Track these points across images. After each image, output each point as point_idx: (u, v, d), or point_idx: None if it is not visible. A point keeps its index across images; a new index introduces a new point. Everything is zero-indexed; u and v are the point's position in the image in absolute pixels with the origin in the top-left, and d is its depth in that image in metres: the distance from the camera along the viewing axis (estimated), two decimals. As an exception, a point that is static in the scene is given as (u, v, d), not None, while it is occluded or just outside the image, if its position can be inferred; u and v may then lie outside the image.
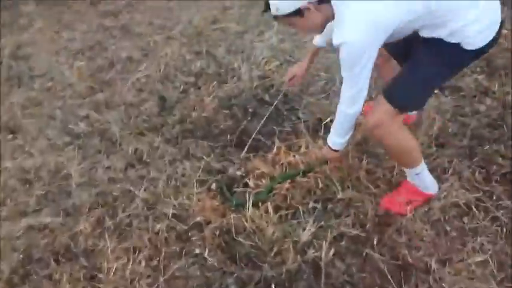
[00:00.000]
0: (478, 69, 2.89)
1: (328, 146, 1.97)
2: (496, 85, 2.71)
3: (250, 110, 2.76)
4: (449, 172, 2.18)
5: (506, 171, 2.17)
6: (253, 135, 2.45)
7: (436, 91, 2.73)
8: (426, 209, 2.01)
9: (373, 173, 2.21)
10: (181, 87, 3.05)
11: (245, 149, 2.37)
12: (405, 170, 1.99)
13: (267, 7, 1.72)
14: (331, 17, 1.69)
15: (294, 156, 2.36)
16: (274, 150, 2.43)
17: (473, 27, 1.65)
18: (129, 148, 2.48)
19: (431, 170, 2.08)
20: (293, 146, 2.47)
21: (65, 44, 3.65)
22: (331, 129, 1.94)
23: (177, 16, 4.06)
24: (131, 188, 2.21)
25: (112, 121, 2.72)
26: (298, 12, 1.66)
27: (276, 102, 2.63)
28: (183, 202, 2.13)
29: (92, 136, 2.61)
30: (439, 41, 1.69)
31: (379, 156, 2.30)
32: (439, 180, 2.12)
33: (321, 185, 2.15)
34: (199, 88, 3.04)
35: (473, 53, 1.70)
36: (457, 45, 1.68)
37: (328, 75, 3.03)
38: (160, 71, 3.23)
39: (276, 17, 1.74)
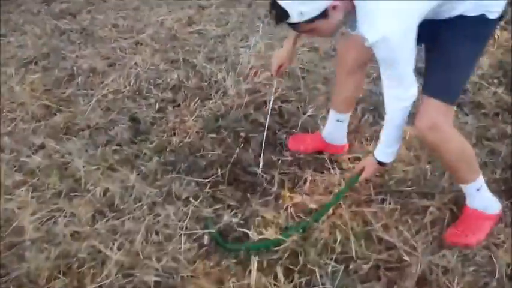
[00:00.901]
0: (496, 80, 2.57)
1: (376, 159, 1.75)
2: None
3: (242, 134, 2.32)
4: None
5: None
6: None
7: (455, 108, 2.39)
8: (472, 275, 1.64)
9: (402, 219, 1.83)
10: (157, 104, 2.58)
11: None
12: (464, 187, 1.73)
13: (284, 14, 1.36)
14: (351, 10, 1.43)
15: (301, 195, 1.96)
16: (275, 187, 2.02)
17: None
18: (97, 189, 2.00)
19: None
20: (297, 179, 2.07)
21: (13, 52, 3.09)
22: (380, 140, 1.72)
23: (146, 17, 3.55)
24: (101, 248, 1.74)
25: (74, 152, 2.22)
26: (324, 13, 1.37)
27: (267, 122, 2.19)
28: (168, 265, 1.68)
29: (49, 172, 2.11)
30: (462, 19, 1.52)
31: (404, 194, 1.93)
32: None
33: (339, 238, 1.75)
34: (178, 106, 2.58)
35: (494, 22, 1.55)
36: (482, 17, 1.51)
37: (327, 88, 2.63)
38: (130, 84, 2.74)
39: (294, 25, 1.41)
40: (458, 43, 1.54)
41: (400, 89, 1.53)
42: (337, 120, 2.08)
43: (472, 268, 1.65)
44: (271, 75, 2.12)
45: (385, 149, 1.72)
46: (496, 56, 2.72)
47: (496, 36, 2.88)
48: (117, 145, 2.28)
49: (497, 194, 1.85)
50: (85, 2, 3.86)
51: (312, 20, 1.37)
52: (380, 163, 1.75)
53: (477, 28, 1.53)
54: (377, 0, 1.38)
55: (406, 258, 1.67)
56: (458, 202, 1.85)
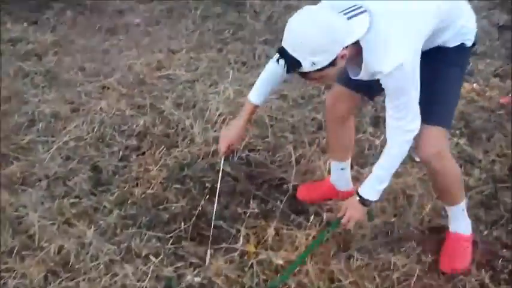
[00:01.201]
0: (458, 131, 2.62)
1: (361, 197, 1.68)
2: (481, 153, 2.44)
3: (207, 184, 2.27)
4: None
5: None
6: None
7: (417, 159, 2.41)
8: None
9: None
10: (121, 153, 2.51)
11: (207, 258, 1.87)
12: (452, 209, 1.85)
13: (297, 64, 1.37)
14: (355, 55, 1.46)
15: (266, 249, 1.90)
16: (240, 242, 1.96)
17: (471, 21, 1.65)
18: (52, 246, 1.89)
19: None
20: (262, 234, 2.01)
21: (-28, 95, 2.99)
22: (372, 174, 1.66)
23: (115, 60, 3.51)
24: (52, 312, 1.62)
25: (29, 205, 2.11)
26: (333, 62, 1.40)
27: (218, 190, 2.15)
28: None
29: (1, 228, 1.99)
30: (444, 50, 1.62)
31: (371, 249, 1.90)
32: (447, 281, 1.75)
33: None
34: (143, 154, 2.51)
35: (470, 49, 1.68)
36: (461, 46, 1.64)
37: (295, 136, 2.62)
38: (93, 131, 2.67)
39: (303, 74, 1.43)
40: (447, 71, 1.62)
41: (406, 120, 1.55)
42: (341, 169, 2.09)
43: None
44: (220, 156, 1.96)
45: (376, 186, 1.66)
46: (458, 107, 2.77)
47: (458, 87, 2.96)
48: (75, 197, 2.18)
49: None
50: (52, 43, 3.80)
51: (322, 69, 1.40)
52: (364, 203, 1.69)
53: (459, 56, 1.66)
54: (386, 29, 1.41)
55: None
56: (426, 254, 1.84)
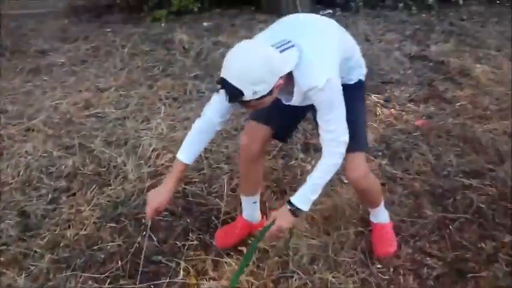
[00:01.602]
0: (380, 153, 2.81)
1: (293, 206, 1.73)
2: (401, 171, 2.62)
3: (143, 221, 2.24)
4: (386, 281, 1.92)
5: (438, 273, 1.97)
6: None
7: (346, 181, 2.55)
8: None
9: None
10: (49, 195, 2.43)
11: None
12: (376, 210, 2.10)
13: (239, 94, 1.46)
14: (288, 84, 1.60)
15: (207, 280, 1.90)
16: (181, 275, 1.95)
17: (361, 57, 1.88)
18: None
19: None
20: (202, 265, 2.01)
21: None
22: (305, 185, 1.74)
23: (39, 101, 3.42)
24: None
25: (-50, 257, 1.97)
26: (271, 91, 1.51)
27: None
28: None
29: None
30: (348, 86, 1.74)
31: (310, 269, 1.96)
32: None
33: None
34: (73, 195, 2.44)
35: (364, 83, 1.92)
36: (359, 82, 1.87)
37: (230, 166, 2.68)
38: (19, 175, 2.56)
39: (244, 102, 1.52)
40: (353, 105, 1.75)
41: (338, 132, 1.69)
42: (253, 203, 2.15)
43: None
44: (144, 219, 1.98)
45: (308, 195, 1.74)
46: (379, 130, 2.99)
47: (377, 112, 3.19)
48: (3, 244, 2.07)
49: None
50: (-32, 86, 3.64)
51: (261, 98, 1.49)
52: (294, 212, 1.73)
53: (359, 90, 1.90)
54: (312, 57, 1.58)
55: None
56: (362, 272, 1.93)
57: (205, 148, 2.78)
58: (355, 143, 1.79)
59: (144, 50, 4.42)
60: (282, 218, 1.74)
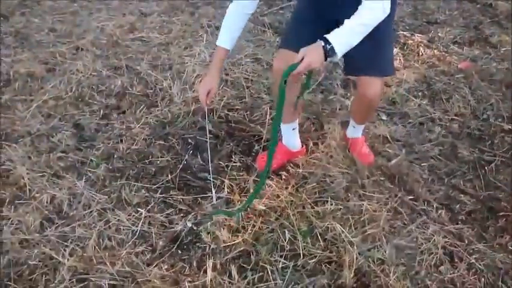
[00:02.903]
0: (420, 93, 2.83)
1: (327, 41, 1.58)
2: (439, 112, 2.65)
3: (190, 141, 2.37)
4: (416, 212, 2.03)
5: (470, 209, 2.07)
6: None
7: (384, 118, 2.62)
8: (404, 265, 1.81)
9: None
10: (101, 111, 2.56)
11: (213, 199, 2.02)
12: (360, 126, 2.25)
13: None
14: None
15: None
16: (225, 192, 2.09)
17: None
18: (43, 196, 1.96)
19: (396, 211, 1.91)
20: (243, 184, 2.15)
21: None
22: (343, 27, 1.60)
23: (85, 22, 3.49)
24: (52, 253, 1.71)
25: (16, 159, 2.15)
26: None
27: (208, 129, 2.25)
28: (123, 270, 1.70)
29: (-11, 180, 2.03)
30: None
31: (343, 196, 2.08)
32: (411, 221, 1.98)
33: (287, 237, 1.86)
34: (123, 113, 2.57)
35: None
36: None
37: (270, 97, 2.75)
38: (72, 91, 2.69)
39: None
40: (388, 28, 1.81)
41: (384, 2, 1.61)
42: (293, 129, 2.21)
43: (403, 259, 1.82)
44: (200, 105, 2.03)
45: (345, 37, 1.60)
46: (421, 70, 2.99)
47: (420, 53, 3.17)
48: (61, 152, 2.24)
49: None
50: (18, 4, 3.72)
51: None
52: (326, 52, 1.57)
53: (390, 15, 1.71)
54: None
55: (345, 253, 1.80)
56: (395, 201, 2.04)
57: (246, 78, 2.92)
58: (381, 67, 1.90)
59: (186, -24, 4.38)
60: (313, 55, 1.58)
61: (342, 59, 1.80)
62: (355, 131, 2.28)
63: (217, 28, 3.51)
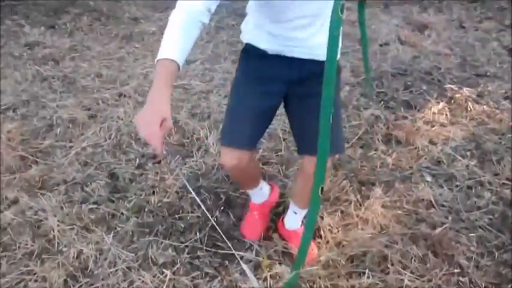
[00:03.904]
0: (468, 153, 2.66)
1: None
2: (491, 175, 2.47)
3: (222, 196, 2.31)
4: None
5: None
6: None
7: (429, 179, 2.46)
8: None
9: None
10: (137, 160, 2.56)
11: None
12: (301, 212, 1.98)
13: None
14: None
15: (280, 264, 1.94)
16: (253, 254, 2.00)
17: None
18: (71, 251, 1.94)
19: None
20: (272, 245, 2.05)
21: (-8, 98, 3.05)
22: None
23: (131, 68, 3.58)
24: (72, 316, 1.66)
25: (48, 209, 2.16)
26: None
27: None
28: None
29: (22, 231, 2.03)
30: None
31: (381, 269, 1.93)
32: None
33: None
34: (159, 162, 2.56)
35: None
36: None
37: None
38: (110, 138, 2.72)
39: None
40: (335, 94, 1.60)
41: None
42: (260, 189, 2.08)
43: None
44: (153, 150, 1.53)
45: None
46: (469, 128, 2.83)
47: (468, 108, 3.01)
48: (93, 203, 2.23)
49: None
50: (69, 49, 3.88)
51: None
52: None
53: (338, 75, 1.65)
54: None
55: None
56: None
57: (283, 129, 2.86)
58: (338, 144, 1.65)
59: (229, 24, 4.45)
60: None
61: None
62: (295, 219, 2.02)
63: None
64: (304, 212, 1.97)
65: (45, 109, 2.97)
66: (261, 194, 2.11)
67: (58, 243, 1.98)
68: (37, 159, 2.51)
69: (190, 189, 1.69)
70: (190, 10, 1.32)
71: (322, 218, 2.14)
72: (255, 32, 1.62)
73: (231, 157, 1.68)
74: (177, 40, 1.28)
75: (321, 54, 1.39)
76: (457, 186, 2.40)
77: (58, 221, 2.08)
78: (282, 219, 2.10)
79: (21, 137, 2.67)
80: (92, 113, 2.96)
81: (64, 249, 1.95)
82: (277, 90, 1.66)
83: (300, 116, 1.71)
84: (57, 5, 4.78)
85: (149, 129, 1.17)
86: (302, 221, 2.04)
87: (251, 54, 1.65)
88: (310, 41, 1.54)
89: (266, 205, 2.15)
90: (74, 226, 2.07)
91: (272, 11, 1.51)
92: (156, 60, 1.27)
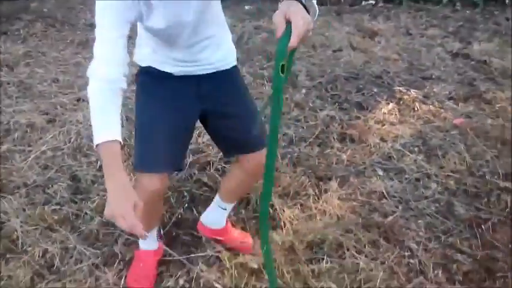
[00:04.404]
0: (416, 149, 2.85)
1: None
2: (435, 168, 2.66)
3: (185, 194, 2.37)
4: (412, 273, 1.99)
5: (467, 269, 2.03)
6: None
7: (380, 173, 2.62)
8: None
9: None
10: (98, 162, 2.57)
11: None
12: (230, 206, 1.99)
13: None
14: None
15: (243, 255, 2.02)
16: (217, 247, 2.07)
17: None
18: (36, 250, 1.94)
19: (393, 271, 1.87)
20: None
21: None
22: None
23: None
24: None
25: (10, 211, 2.14)
26: None
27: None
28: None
29: (-18, 233, 2.01)
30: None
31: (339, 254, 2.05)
32: (408, 281, 1.93)
33: (282, 297, 1.82)
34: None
35: None
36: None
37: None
38: (70, 141, 2.72)
39: None
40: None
41: None
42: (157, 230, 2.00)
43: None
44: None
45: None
46: (416, 126, 3.03)
47: (415, 108, 3.22)
48: (56, 204, 2.23)
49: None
50: (23, 55, 3.83)
51: None
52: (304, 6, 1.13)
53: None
54: None
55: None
56: (392, 260, 2.01)
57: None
58: (263, 137, 1.65)
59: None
60: (299, 12, 1.10)
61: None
62: (222, 216, 1.99)
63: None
64: (231, 206, 1.99)
65: (2, 114, 2.93)
66: (153, 236, 1.92)
67: (22, 243, 1.98)
68: (-5, 164, 2.48)
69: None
70: (109, 79, 1.29)
71: (283, 210, 2.24)
72: (154, 56, 1.56)
73: (153, 182, 1.55)
74: (108, 116, 1.25)
75: (223, 65, 1.61)
76: (406, 178, 2.57)
77: (21, 222, 2.07)
78: (200, 223, 2.05)
79: (-23, 142, 2.63)
80: (50, 117, 2.95)
81: (28, 248, 1.95)
82: (191, 104, 1.61)
83: (225, 125, 1.68)
84: (10, 11, 4.70)
85: (128, 222, 1.13)
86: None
87: (154, 76, 1.58)
88: (212, 58, 1.58)
89: (158, 252, 1.95)
90: (38, 226, 2.07)
91: (169, 38, 1.48)
92: (95, 144, 1.22)
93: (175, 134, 1.59)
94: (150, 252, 1.90)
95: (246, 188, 1.99)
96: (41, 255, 1.93)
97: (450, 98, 3.40)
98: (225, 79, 1.63)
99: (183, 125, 1.62)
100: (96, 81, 1.28)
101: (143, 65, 1.60)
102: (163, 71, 1.57)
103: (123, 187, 1.18)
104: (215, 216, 2.02)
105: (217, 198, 1.99)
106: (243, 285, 1.87)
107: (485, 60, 4.01)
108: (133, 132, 1.70)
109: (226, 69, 1.63)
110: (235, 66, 1.67)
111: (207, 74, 1.59)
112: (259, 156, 1.64)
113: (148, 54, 1.57)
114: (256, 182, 1.94)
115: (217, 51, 1.59)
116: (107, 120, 1.24)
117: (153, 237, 1.90)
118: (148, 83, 1.62)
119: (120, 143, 1.23)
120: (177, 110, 1.57)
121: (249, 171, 1.78)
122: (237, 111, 1.65)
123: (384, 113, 3.15)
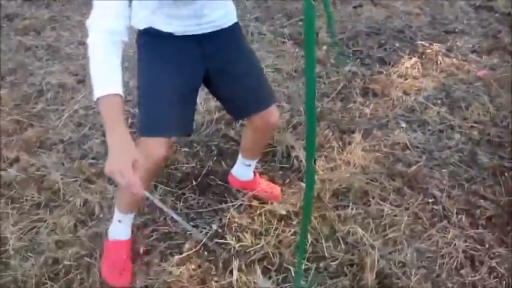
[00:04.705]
0: (439, 101, 2.87)
1: None
2: (459, 119, 2.68)
3: (213, 148, 2.46)
4: (436, 218, 2.06)
5: (490, 214, 2.09)
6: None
7: (403, 125, 2.66)
8: (425, 268, 1.85)
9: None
10: (129, 120, 2.67)
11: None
12: (253, 162, 2.08)
13: None
14: None
15: (271, 203, 2.11)
16: (247, 196, 2.16)
17: None
18: (77, 200, 2.06)
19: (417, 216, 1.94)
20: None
21: (-21, 67, 3.08)
22: None
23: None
24: (85, 254, 1.80)
25: (50, 165, 2.26)
26: None
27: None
28: (154, 269, 1.78)
29: (26, 185, 2.14)
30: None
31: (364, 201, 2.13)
32: (431, 226, 2.01)
33: (310, 240, 1.91)
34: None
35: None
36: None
37: (291, 105, 2.83)
38: (101, 100, 2.81)
39: None
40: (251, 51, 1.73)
41: None
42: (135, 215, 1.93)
43: (424, 263, 1.86)
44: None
45: None
46: (439, 79, 3.03)
47: (438, 61, 3.21)
48: (92, 159, 2.35)
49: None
50: (49, 19, 3.89)
51: None
52: None
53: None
54: None
55: (366, 256, 1.85)
56: (416, 206, 2.08)
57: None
58: (272, 95, 1.80)
59: None
60: None
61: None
62: (249, 170, 2.09)
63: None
64: (255, 162, 2.09)
65: (34, 76, 3.03)
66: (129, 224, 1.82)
67: (63, 194, 2.10)
68: (32, 123, 2.60)
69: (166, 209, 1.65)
70: (111, 31, 1.22)
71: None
72: (153, 17, 1.48)
73: (160, 146, 1.50)
74: (109, 69, 1.21)
75: (225, 23, 1.58)
76: (429, 130, 2.61)
77: (61, 174, 2.20)
78: (231, 174, 2.16)
79: (13, 102, 2.74)
80: (79, 78, 3.04)
81: (70, 198, 2.08)
82: (196, 63, 1.57)
83: (231, 84, 1.65)
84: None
85: (126, 178, 1.12)
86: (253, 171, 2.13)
87: (155, 38, 1.51)
88: (214, 15, 1.53)
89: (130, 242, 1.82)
90: (77, 179, 2.19)
91: None
92: (96, 98, 1.18)
93: (183, 94, 1.53)
94: (122, 242, 1.77)
95: (262, 145, 2.05)
96: (82, 204, 2.05)
97: (473, 51, 3.38)
98: (228, 37, 1.59)
99: (190, 85, 1.57)
100: (98, 32, 1.21)
101: (142, 27, 1.51)
102: (165, 31, 1.49)
103: (123, 143, 1.17)
104: (242, 171, 2.13)
105: (239, 156, 2.09)
106: (272, 230, 1.97)
107: (510, 12, 3.93)
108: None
109: (228, 27, 1.58)
110: (236, 23, 1.63)
111: (209, 33, 1.54)
112: (267, 114, 1.72)
113: (147, 16, 1.48)
114: (270, 137, 2.01)
115: (218, 9, 1.54)
116: (108, 74, 1.21)
117: (127, 224, 1.80)
118: (150, 42, 1.53)
119: (121, 96, 1.20)
120: (182, 68, 1.52)
121: (260, 129, 1.83)
122: (242, 70, 1.62)
123: (407, 68, 3.15)
